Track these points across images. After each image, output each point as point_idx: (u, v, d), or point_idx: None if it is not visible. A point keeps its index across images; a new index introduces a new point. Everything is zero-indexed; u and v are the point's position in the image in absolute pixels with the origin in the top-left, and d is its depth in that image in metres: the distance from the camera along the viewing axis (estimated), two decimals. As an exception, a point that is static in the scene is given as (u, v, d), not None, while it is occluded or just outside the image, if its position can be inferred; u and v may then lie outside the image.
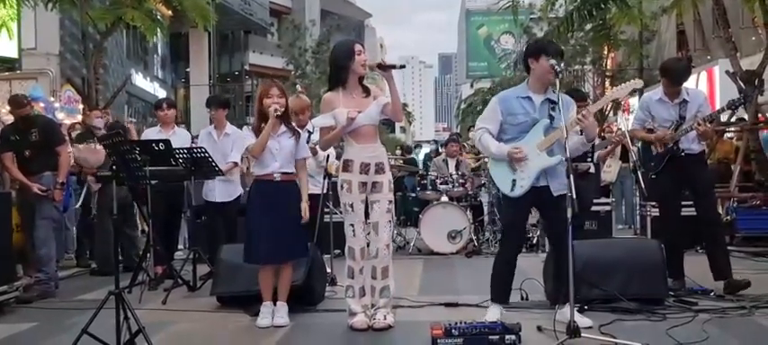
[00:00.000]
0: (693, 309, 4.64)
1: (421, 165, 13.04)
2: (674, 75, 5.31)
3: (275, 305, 4.67)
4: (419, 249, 8.39)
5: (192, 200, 6.59)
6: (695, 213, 5.40)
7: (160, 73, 26.84)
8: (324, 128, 4.57)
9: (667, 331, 4.08)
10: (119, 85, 15.60)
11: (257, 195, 4.69)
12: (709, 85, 15.05)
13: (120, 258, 6.73)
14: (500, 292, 4.46)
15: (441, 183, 8.50)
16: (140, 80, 23.48)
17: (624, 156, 9.71)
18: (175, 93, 28.30)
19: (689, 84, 5.65)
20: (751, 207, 8.24)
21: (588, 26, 15.68)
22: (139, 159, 5.46)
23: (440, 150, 13.18)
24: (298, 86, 22.59)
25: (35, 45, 14.76)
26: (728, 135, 11.07)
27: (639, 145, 6.49)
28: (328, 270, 5.72)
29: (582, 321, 4.04)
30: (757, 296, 4.92)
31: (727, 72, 9.77)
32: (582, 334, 3.73)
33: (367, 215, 4.52)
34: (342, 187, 4.48)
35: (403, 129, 61.49)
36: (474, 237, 8.35)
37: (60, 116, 11.82)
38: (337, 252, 6.17)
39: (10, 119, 6.55)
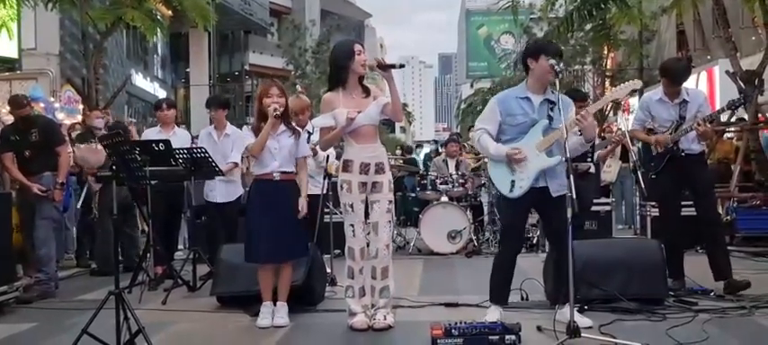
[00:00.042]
0: (693, 309, 4.64)
1: (421, 165, 13.04)
2: (673, 74, 5.31)
3: (275, 305, 4.67)
4: (419, 249, 8.39)
5: (192, 200, 6.59)
6: (695, 213, 5.40)
7: (160, 73, 26.84)
8: (324, 128, 4.57)
9: (667, 331, 4.08)
10: (119, 85, 15.60)
11: (257, 194, 4.69)
12: (709, 85, 15.04)
13: (121, 258, 6.75)
14: (499, 293, 4.46)
15: (441, 183, 8.49)
16: (140, 80, 23.48)
17: (624, 156, 9.71)
18: (175, 93, 28.31)
19: (689, 83, 5.65)
20: (751, 207, 8.24)
21: (588, 26, 15.68)
22: (139, 159, 5.46)
23: (440, 150, 13.18)
24: (298, 86, 22.59)
25: (35, 45, 14.77)
26: (728, 135, 11.08)
27: (640, 145, 6.50)
28: (328, 270, 5.72)
29: (582, 321, 4.04)
30: (757, 296, 4.92)
31: (727, 72, 9.77)
32: (582, 334, 3.73)
33: (367, 215, 4.52)
34: (341, 187, 4.48)
35: (403, 129, 61.49)
36: (474, 237, 8.35)
37: (60, 116, 11.83)
38: (337, 252, 6.17)
39: (10, 119, 6.55)
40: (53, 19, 14.43)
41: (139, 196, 6.72)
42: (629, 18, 12.63)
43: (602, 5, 12.13)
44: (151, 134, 7.03)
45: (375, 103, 4.46)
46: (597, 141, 6.59)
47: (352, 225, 4.45)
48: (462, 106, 52.36)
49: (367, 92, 4.52)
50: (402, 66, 5.15)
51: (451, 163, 9.01)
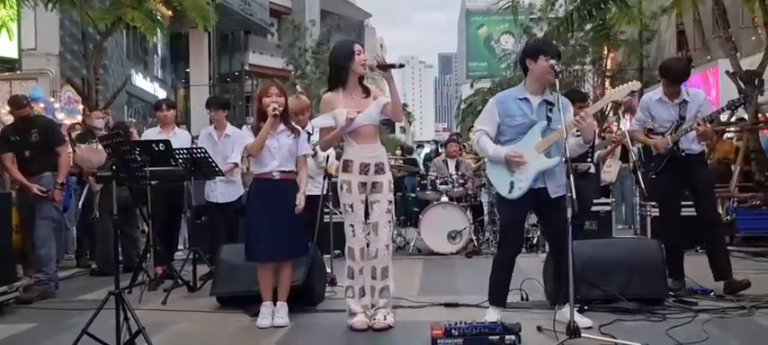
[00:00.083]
0: (693, 309, 4.64)
1: (421, 166, 13.04)
2: (673, 74, 5.31)
3: (275, 305, 4.67)
4: (419, 249, 8.39)
5: (192, 201, 6.59)
6: (695, 213, 5.39)
7: (160, 73, 26.85)
8: (323, 128, 4.56)
9: (667, 331, 4.08)
10: (119, 86, 15.60)
11: (256, 194, 4.70)
12: (706, 85, 15.04)
13: (121, 258, 6.75)
14: (498, 295, 4.45)
15: (441, 183, 8.50)
16: (140, 80, 23.49)
17: (624, 156, 9.70)
18: (175, 94, 28.32)
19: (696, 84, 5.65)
20: (751, 207, 8.24)
21: (588, 26, 15.69)
22: (139, 159, 5.46)
23: (440, 150, 13.18)
24: (297, 87, 22.61)
25: (35, 45, 14.77)
26: (728, 135, 11.08)
27: (640, 145, 6.49)
28: (328, 271, 5.72)
29: (582, 321, 4.04)
30: (757, 296, 4.92)
31: (727, 72, 9.77)
32: (582, 334, 3.73)
33: (367, 215, 4.51)
34: (341, 187, 4.48)
35: (403, 129, 61.51)
36: (474, 237, 8.35)
37: (60, 116, 11.83)
38: (337, 252, 6.17)
39: (10, 119, 6.55)
40: (53, 19, 14.43)
41: (139, 196, 6.72)
42: (629, 18, 12.63)
43: (602, 5, 12.13)
44: (151, 134, 7.03)
45: (375, 103, 4.46)
46: (597, 141, 6.59)
47: (352, 226, 4.45)
48: (462, 106, 52.35)
49: (367, 92, 4.51)
50: (402, 65, 5.15)
51: (451, 164, 9.01)
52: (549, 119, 4.29)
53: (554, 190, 4.28)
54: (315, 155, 5.67)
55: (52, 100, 13.52)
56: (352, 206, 4.45)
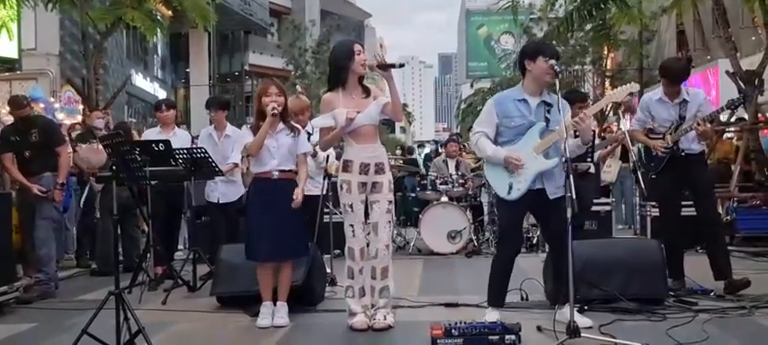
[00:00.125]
0: (693, 309, 4.64)
1: (421, 166, 13.04)
2: (673, 74, 5.31)
3: (275, 305, 4.67)
4: (419, 249, 8.39)
5: (192, 201, 6.59)
6: (695, 213, 5.39)
7: (160, 73, 26.85)
8: (323, 128, 4.57)
9: (667, 331, 4.08)
10: (119, 86, 15.60)
11: (256, 194, 4.70)
12: (706, 85, 15.04)
13: (122, 258, 6.76)
14: (496, 296, 4.44)
15: (440, 183, 8.50)
16: (140, 80, 23.49)
17: (624, 156, 9.71)
18: (175, 94, 28.32)
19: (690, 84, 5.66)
20: (751, 207, 8.24)
21: (588, 26, 15.68)
22: (139, 159, 5.46)
23: (440, 150, 13.18)
24: (297, 87, 22.61)
25: (35, 45, 14.77)
26: (728, 135, 11.08)
27: (640, 145, 6.50)
28: (328, 271, 5.72)
29: (582, 321, 4.04)
30: (757, 296, 4.92)
31: (727, 72, 9.77)
32: (582, 334, 3.73)
33: (367, 215, 4.51)
34: (341, 187, 4.48)
35: (403, 129, 61.51)
36: (474, 237, 8.35)
37: (60, 116, 11.83)
38: (337, 252, 6.17)
39: (10, 119, 6.55)
40: (53, 19, 14.43)
41: (140, 196, 6.72)
42: (629, 18, 12.63)
43: (602, 5, 12.13)
44: (151, 134, 7.03)
45: (375, 103, 4.46)
46: (597, 141, 6.59)
47: (352, 226, 4.45)
48: (462, 106, 52.40)
49: (367, 92, 4.51)
50: (402, 65, 5.14)
51: (451, 164, 9.01)
52: (547, 121, 4.28)
53: (552, 192, 4.28)
54: (315, 155, 5.67)
55: (52, 100, 13.52)
56: (351, 206, 4.44)
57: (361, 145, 4.45)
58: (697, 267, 5.50)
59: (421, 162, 14.62)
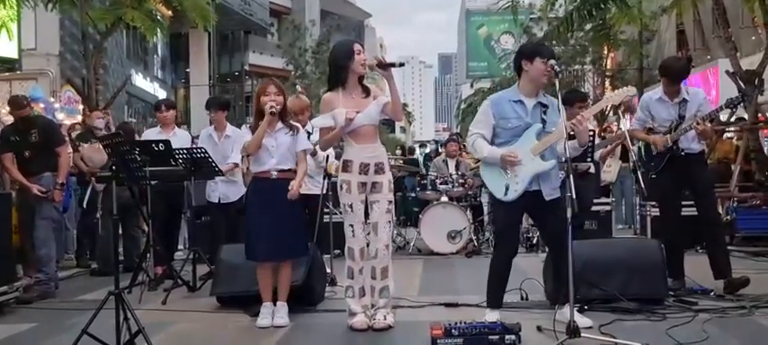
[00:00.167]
0: (693, 309, 4.64)
1: (421, 165, 13.04)
2: (673, 74, 5.31)
3: (275, 305, 4.67)
4: (419, 249, 8.39)
5: (192, 201, 6.59)
6: (695, 213, 5.39)
7: (160, 73, 26.85)
8: (323, 128, 4.57)
9: (667, 331, 4.08)
10: (119, 86, 15.59)
11: (255, 193, 4.70)
12: (706, 85, 15.04)
13: (122, 258, 6.76)
14: (495, 297, 4.44)
15: (440, 183, 8.50)
16: (140, 80, 23.49)
17: (624, 156, 9.71)
18: (175, 94, 28.32)
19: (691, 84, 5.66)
20: (751, 207, 8.24)
21: (588, 26, 15.69)
22: (139, 160, 5.46)
23: (440, 150, 13.17)
24: (297, 86, 22.60)
25: (35, 45, 14.77)
26: (728, 135, 11.08)
27: (640, 144, 6.50)
28: (328, 271, 5.72)
29: (582, 321, 4.04)
30: (757, 296, 4.92)
31: (727, 72, 9.77)
32: (582, 334, 3.73)
33: (367, 215, 4.51)
34: (341, 187, 4.48)
35: (403, 129, 61.52)
36: (474, 237, 8.35)
37: (60, 116, 11.84)
38: (337, 252, 6.17)
39: (10, 119, 6.55)
40: (53, 19, 14.43)
41: (140, 196, 6.72)
42: (629, 18, 12.63)
43: (602, 5, 12.13)
44: (151, 134, 7.03)
45: (375, 103, 4.46)
46: (597, 141, 6.59)
47: (352, 226, 4.45)
48: (462, 106, 52.37)
49: (367, 91, 4.51)
50: (402, 64, 5.14)
51: (451, 163, 9.01)
52: (543, 122, 4.28)
53: (548, 193, 4.28)
54: (314, 154, 5.67)
55: (52, 100, 13.53)
56: (351, 206, 4.44)
57: (360, 145, 4.45)
58: (697, 267, 5.50)
59: (421, 161, 14.62)
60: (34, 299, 5.66)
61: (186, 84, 30.15)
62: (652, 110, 5.39)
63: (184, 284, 5.99)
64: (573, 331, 3.69)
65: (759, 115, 10.31)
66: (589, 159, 6.32)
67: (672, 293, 4.98)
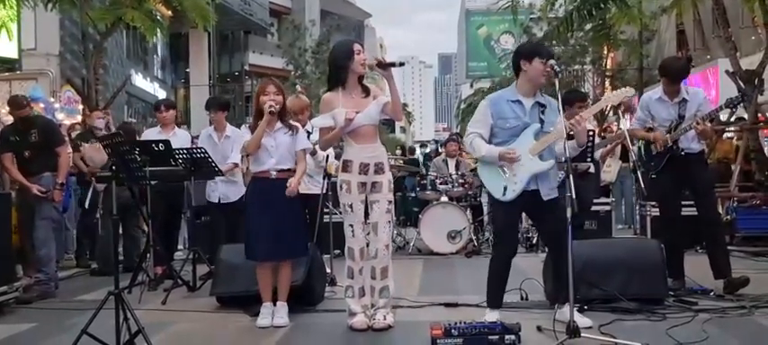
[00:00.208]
0: (693, 309, 4.64)
1: (421, 165, 13.04)
2: (673, 73, 5.31)
3: (275, 305, 4.67)
4: (419, 249, 8.39)
5: (192, 201, 6.59)
6: (695, 213, 5.39)
7: (160, 73, 26.84)
8: (323, 128, 4.56)
9: (667, 330, 4.08)
10: (119, 86, 15.59)
11: (254, 193, 4.70)
12: (706, 85, 15.04)
13: (122, 258, 6.75)
14: (495, 297, 4.43)
15: (440, 183, 8.50)
16: (140, 80, 23.48)
17: (624, 156, 9.71)
18: (175, 94, 28.31)
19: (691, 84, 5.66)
20: (751, 206, 8.24)
21: (588, 26, 15.69)
22: (139, 160, 5.46)
23: (439, 150, 13.17)
24: (297, 86, 22.59)
25: (35, 45, 14.76)
26: (728, 135, 11.08)
27: (640, 143, 6.50)
28: (328, 271, 5.72)
29: (582, 321, 4.04)
30: (757, 296, 4.92)
31: (726, 71, 9.77)
32: (582, 334, 3.73)
33: (367, 215, 4.51)
34: (341, 187, 4.48)
35: (403, 129, 61.53)
36: (474, 237, 8.35)
37: (60, 116, 11.84)
38: (337, 252, 6.17)
39: (10, 119, 6.55)
40: (53, 19, 14.42)
41: (140, 196, 6.72)
42: (629, 18, 12.63)
43: (602, 5, 12.14)
44: (151, 134, 7.03)
45: (375, 103, 4.46)
46: (597, 140, 6.59)
47: (352, 226, 4.45)
48: (462, 106, 52.39)
49: (367, 91, 4.51)
50: (402, 64, 5.13)
51: (451, 163, 9.01)
52: (541, 122, 4.28)
53: (546, 193, 4.28)
54: (314, 154, 5.67)
55: (52, 100, 13.52)
56: (351, 206, 4.44)
57: (360, 145, 4.44)
58: (697, 267, 5.50)
59: (421, 161, 14.63)
60: (34, 299, 5.66)
61: (186, 84, 30.14)
62: (652, 109, 5.39)
63: (184, 284, 5.99)
64: (573, 331, 3.69)
65: (759, 115, 10.31)
66: (589, 159, 6.32)
67: (672, 293, 4.98)
